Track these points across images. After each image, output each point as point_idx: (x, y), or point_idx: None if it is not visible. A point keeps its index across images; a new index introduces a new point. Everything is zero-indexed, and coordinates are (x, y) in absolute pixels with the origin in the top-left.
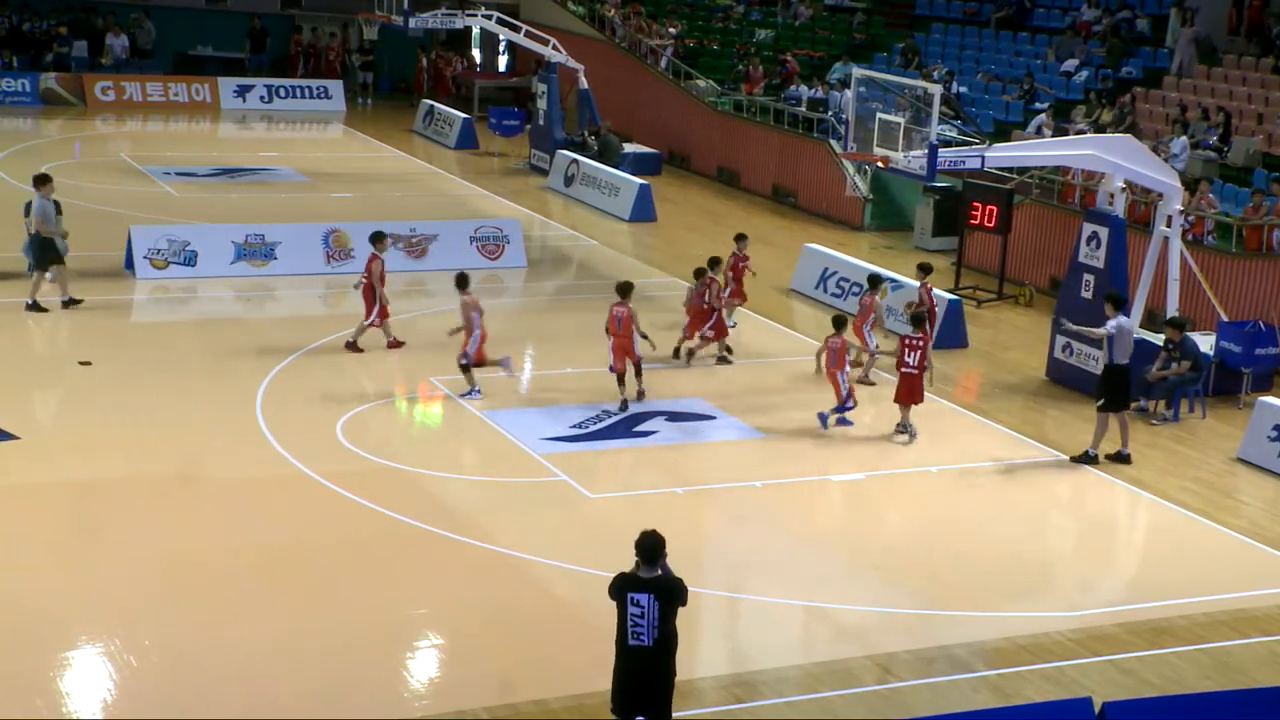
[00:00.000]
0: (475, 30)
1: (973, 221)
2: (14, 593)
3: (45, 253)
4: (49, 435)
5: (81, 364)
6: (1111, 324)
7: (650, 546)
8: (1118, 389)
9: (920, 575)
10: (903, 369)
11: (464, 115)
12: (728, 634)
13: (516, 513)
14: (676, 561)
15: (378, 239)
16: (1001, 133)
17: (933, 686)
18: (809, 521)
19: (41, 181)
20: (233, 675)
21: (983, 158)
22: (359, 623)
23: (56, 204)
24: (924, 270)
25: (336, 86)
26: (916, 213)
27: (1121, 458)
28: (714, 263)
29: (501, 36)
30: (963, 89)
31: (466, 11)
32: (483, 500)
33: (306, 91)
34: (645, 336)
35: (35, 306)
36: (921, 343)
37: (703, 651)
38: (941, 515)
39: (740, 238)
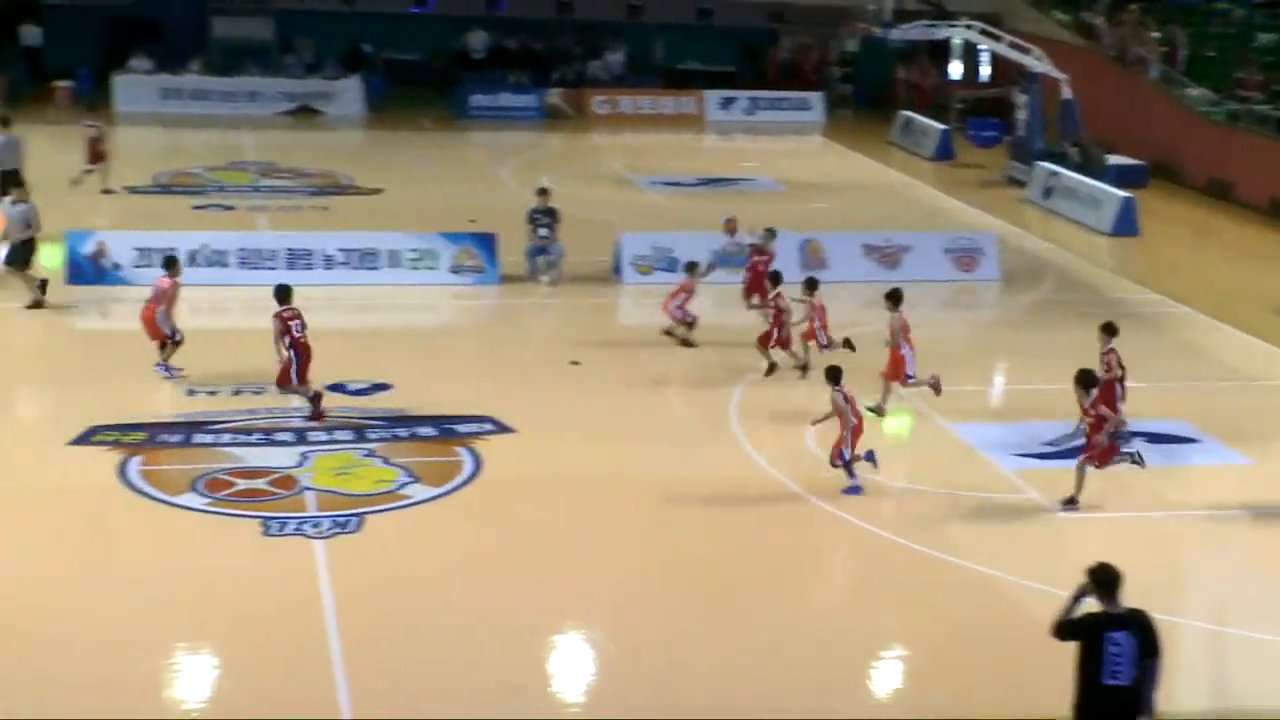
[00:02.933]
0: (955, 40)
1: None
2: (504, 580)
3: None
4: (542, 430)
5: (572, 364)
6: None
7: (1113, 580)
8: None
9: None
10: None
11: (942, 126)
12: (1209, 670)
13: (983, 528)
14: (1153, 590)
15: (170, 264)
16: None
17: None
18: None
19: (13, 185)
20: (703, 672)
21: None
22: (821, 627)
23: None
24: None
25: (816, 98)
26: None
27: None
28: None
29: (982, 47)
30: None
31: (949, 22)
32: (948, 514)
33: (787, 103)
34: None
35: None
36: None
37: (1182, 686)
38: None
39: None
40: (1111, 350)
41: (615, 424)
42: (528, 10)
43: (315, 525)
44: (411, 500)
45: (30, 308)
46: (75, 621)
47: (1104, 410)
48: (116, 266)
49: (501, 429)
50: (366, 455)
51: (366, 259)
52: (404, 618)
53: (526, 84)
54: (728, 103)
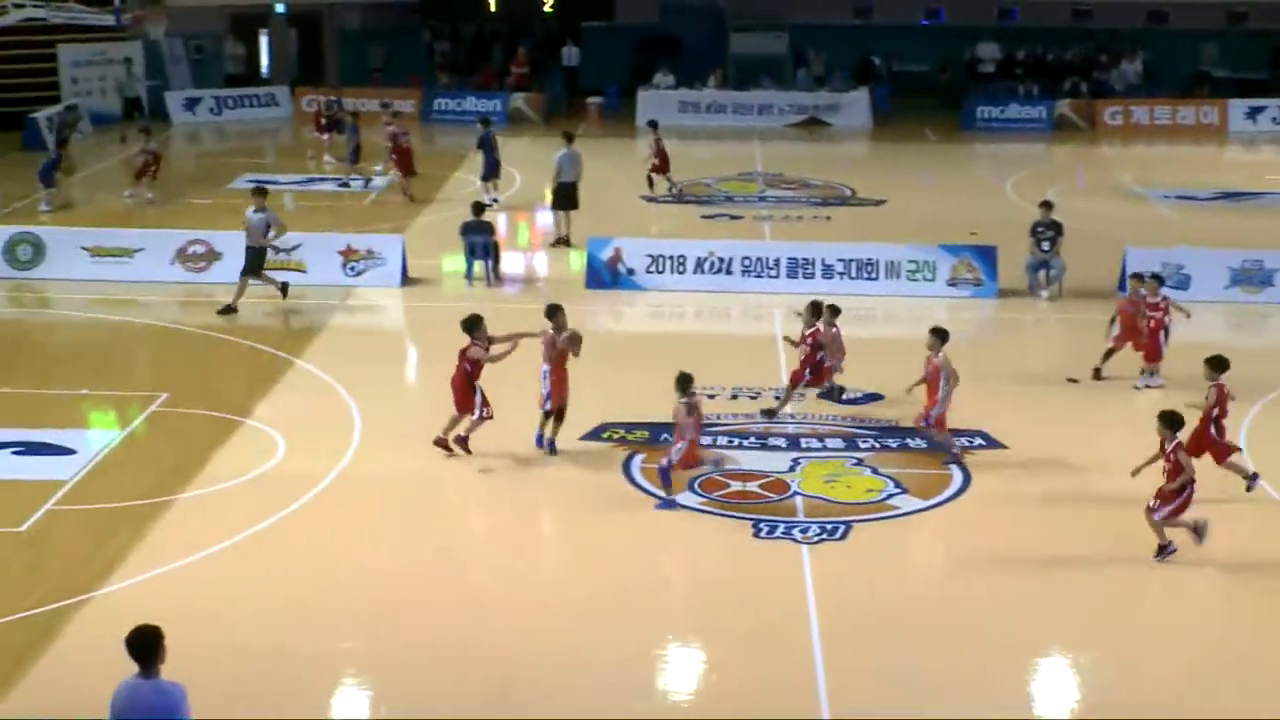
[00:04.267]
0: None
1: None
2: (987, 595)
3: (256, 261)
4: (1034, 447)
5: (1069, 381)
6: None
7: None
8: None
9: None
10: None
11: None
12: None
13: None
14: None
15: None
16: None
17: None
18: None
19: (256, 193)
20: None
21: None
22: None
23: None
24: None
25: None
26: None
27: None
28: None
29: None
30: None
31: None
32: None
33: None
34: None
35: (229, 309)
36: None
37: None
38: None
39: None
40: (1219, 385)
41: (1108, 444)
42: (1042, 19)
43: (803, 530)
44: (898, 511)
45: (223, 312)
46: (558, 612)
47: (1183, 458)
48: (630, 272)
49: (992, 444)
50: (856, 464)
51: (865, 269)
52: (887, 627)
53: (1035, 95)
54: (1255, 112)
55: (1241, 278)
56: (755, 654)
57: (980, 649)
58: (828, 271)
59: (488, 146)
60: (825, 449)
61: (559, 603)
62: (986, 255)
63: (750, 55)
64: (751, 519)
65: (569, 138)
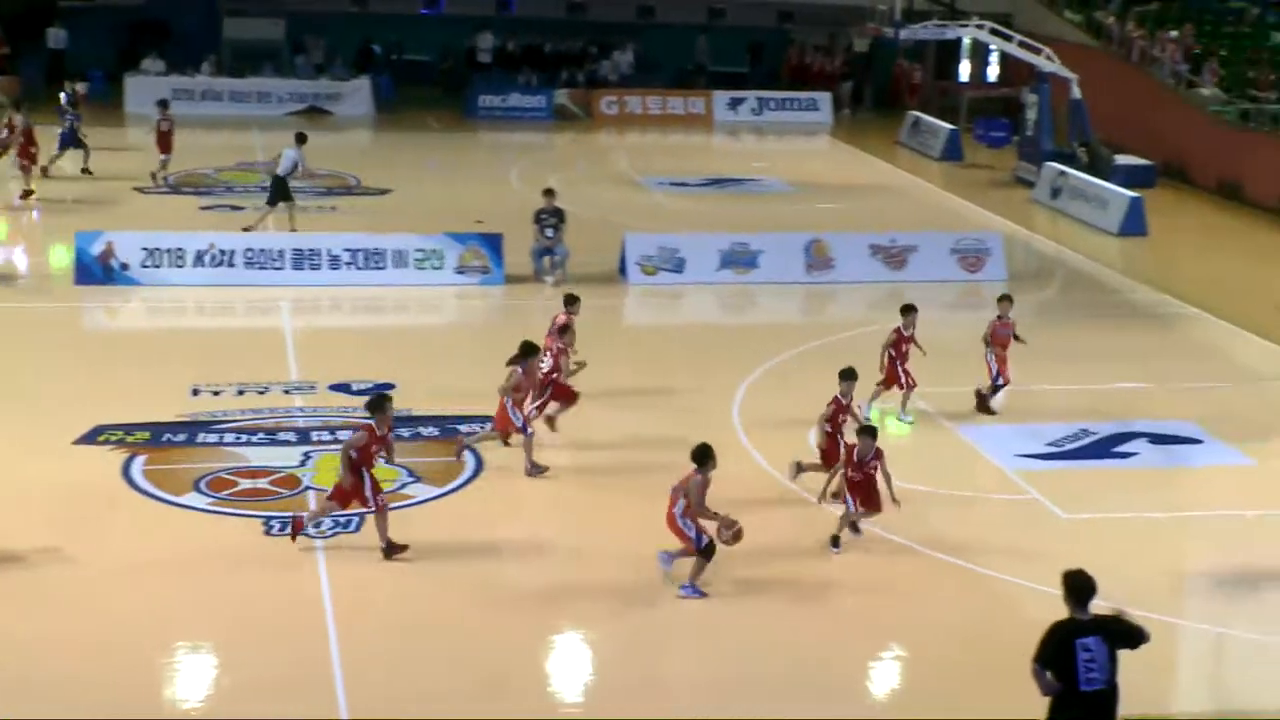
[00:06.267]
0: (965, 41)
1: None
2: (506, 579)
3: None
4: (545, 430)
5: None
6: None
7: (1083, 587)
8: None
9: None
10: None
11: (950, 126)
12: (1210, 670)
13: (985, 529)
14: (1156, 590)
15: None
16: None
17: None
18: None
19: None
20: (698, 673)
21: None
22: (819, 629)
23: None
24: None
25: (824, 99)
26: None
27: None
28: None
29: (992, 46)
30: None
31: (959, 22)
32: (951, 515)
33: (795, 104)
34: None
35: None
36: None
37: (1183, 687)
38: None
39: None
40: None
41: (618, 423)
42: (538, 11)
43: (317, 525)
44: (414, 500)
45: None
46: (73, 622)
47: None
48: (124, 266)
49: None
50: None
51: (372, 259)
52: (403, 618)
53: (535, 85)
54: (736, 103)
55: (731, 259)
56: (270, 654)
57: (499, 634)
58: (334, 262)
59: None
60: (337, 441)
61: (60, 611)
62: (493, 243)
63: (246, 41)
64: (262, 516)
65: (300, 138)
